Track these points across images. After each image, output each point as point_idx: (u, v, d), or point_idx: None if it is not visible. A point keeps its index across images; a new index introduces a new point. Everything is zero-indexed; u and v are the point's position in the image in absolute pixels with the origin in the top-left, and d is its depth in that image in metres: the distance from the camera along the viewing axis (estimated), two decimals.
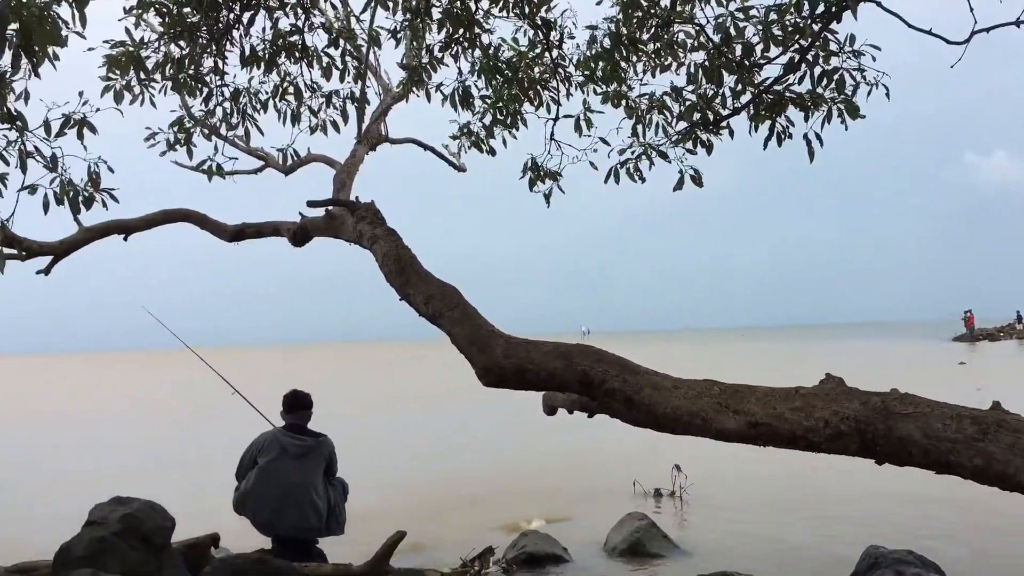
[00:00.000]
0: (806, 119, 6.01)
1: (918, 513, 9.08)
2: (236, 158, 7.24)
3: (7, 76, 3.66)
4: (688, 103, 6.22)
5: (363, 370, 50.58)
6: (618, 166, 6.27)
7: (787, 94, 5.99)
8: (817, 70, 5.82)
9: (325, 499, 6.27)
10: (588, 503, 10.31)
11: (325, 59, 6.35)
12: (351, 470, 6.78)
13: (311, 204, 5.82)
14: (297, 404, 6.46)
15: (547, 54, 6.66)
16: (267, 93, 6.66)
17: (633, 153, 6.30)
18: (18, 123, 4.45)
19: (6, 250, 5.56)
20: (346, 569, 5.98)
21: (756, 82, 6.08)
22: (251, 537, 6.38)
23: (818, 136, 5.97)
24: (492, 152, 7.21)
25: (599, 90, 6.68)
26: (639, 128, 6.40)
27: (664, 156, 6.27)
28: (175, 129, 6.58)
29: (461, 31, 6.39)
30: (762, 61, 5.92)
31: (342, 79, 6.55)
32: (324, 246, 7.12)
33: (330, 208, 6.08)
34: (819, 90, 5.93)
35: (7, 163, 4.75)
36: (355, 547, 6.74)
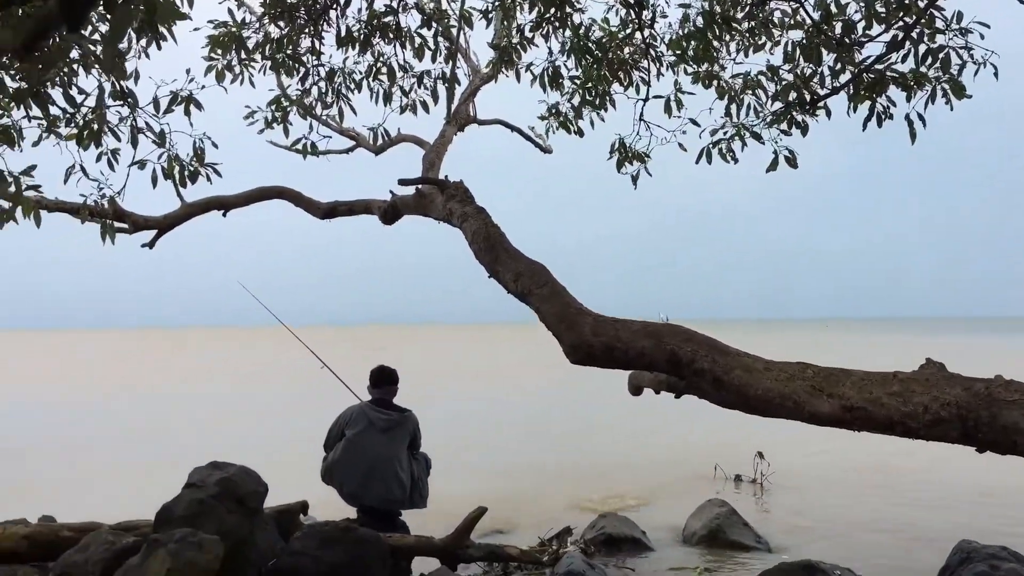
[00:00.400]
0: (908, 99, 5.80)
1: (1015, 506, 8.74)
2: (330, 137, 7.41)
3: (125, 54, 3.83)
4: (784, 83, 6.07)
5: (440, 350, 51.25)
6: (710, 146, 6.19)
7: (889, 73, 5.79)
8: (921, 48, 5.61)
9: (409, 472, 6.40)
10: (668, 487, 10.25)
11: (418, 39, 6.43)
12: (433, 447, 6.89)
13: (402, 182, 5.91)
14: (384, 379, 6.61)
15: (638, 34, 6.58)
16: (361, 73, 6.78)
17: (725, 134, 6.21)
18: (129, 100, 4.65)
19: (116, 224, 5.86)
20: (428, 541, 6.10)
21: (857, 61, 5.89)
22: (335, 506, 6.55)
23: (920, 117, 5.76)
24: (580, 133, 7.18)
25: (690, 70, 6.58)
26: (732, 108, 6.29)
27: (758, 137, 6.15)
28: (273, 108, 6.78)
29: (552, 11, 6.38)
30: (863, 39, 5.73)
31: (434, 59, 6.62)
32: (405, 229, 7.24)
33: (420, 187, 6.16)
34: (923, 69, 5.71)
35: (119, 139, 4.99)
36: (436, 520, 6.88)
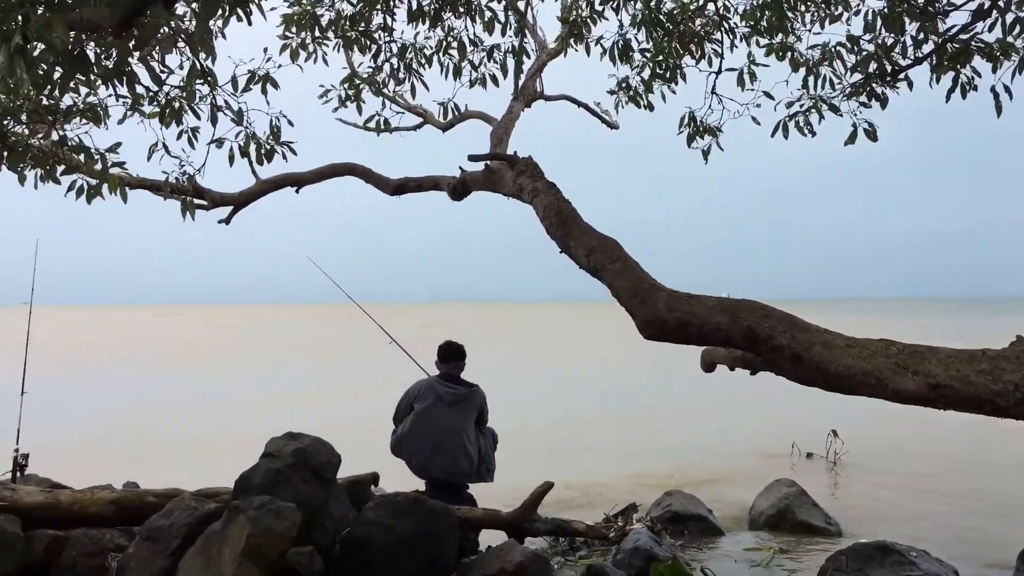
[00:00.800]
0: (994, 70, 5.57)
1: None
2: (403, 113, 7.47)
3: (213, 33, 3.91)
4: (864, 53, 5.89)
5: (507, 327, 51.47)
6: (787, 119, 6.06)
7: (974, 43, 5.56)
8: (1009, 17, 5.37)
9: (476, 446, 6.46)
10: (737, 465, 10.17)
11: (488, 13, 6.41)
12: (501, 422, 6.94)
13: (472, 158, 5.91)
14: (452, 354, 6.67)
15: (711, 5, 6.45)
16: (431, 48, 6.80)
17: (802, 106, 6.07)
18: (209, 79, 4.75)
19: (196, 200, 6.04)
20: (495, 515, 6.16)
21: (941, 30, 5.68)
22: (404, 478, 6.63)
23: (1007, 88, 5.53)
24: (650, 107, 7.08)
25: (764, 42, 6.43)
26: (809, 80, 6.13)
27: (835, 110, 5.99)
28: (346, 86, 6.86)
29: None
30: (948, 7, 5.52)
31: (503, 33, 6.60)
32: (474, 205, 7.24)
33: (489, 162, 6.16)
34: (1010, 38, 5.48)
35: (199, 117, 5.11)
36: (502, 495, 6.93)
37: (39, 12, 2.72)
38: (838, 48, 6.23)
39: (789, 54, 6.45)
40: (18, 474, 5.95)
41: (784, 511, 7.42)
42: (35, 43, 2.43)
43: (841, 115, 6.01)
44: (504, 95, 7.49)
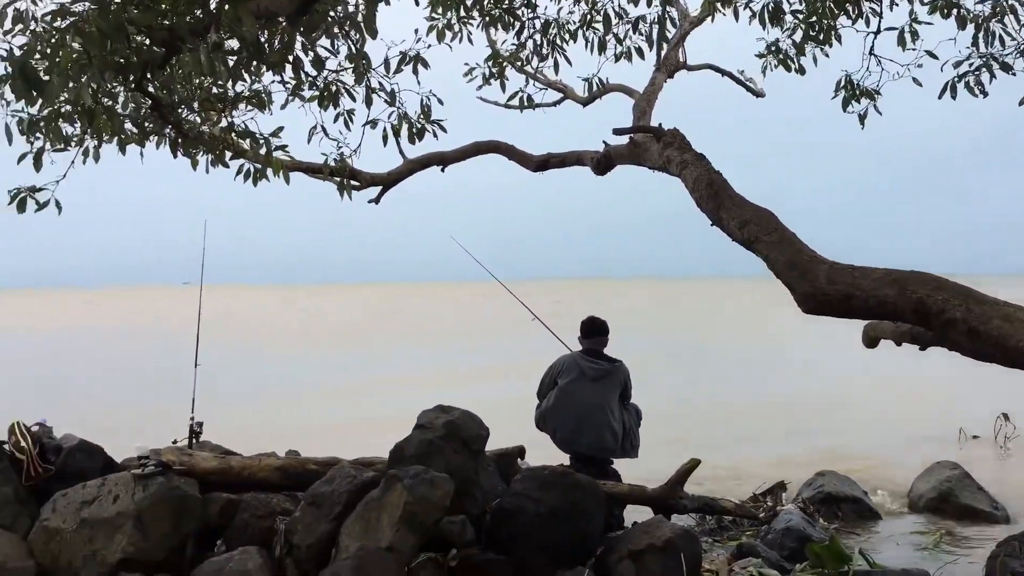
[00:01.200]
0: None
1: None
2: (544, 89, 7.49)
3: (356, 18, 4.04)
4: None
5: (654, 303, 50.93)
6: (955, 79, 5.68)
7: None
8: None
9: (620, 422, 6.46)
10: (895, 447, 9.73)
11: None
12: (645, 399, 6.88)
13: (617, 132, 5.86)
14: (595, 330, 6.67)
15: None
16: (575, 23, 6.78)
17: (971, 65, 5.67)
18: (364, 61, 4.92)
19: (352, 182, 6.29)
20: (641, 490, 6.15)
21: None
22: (546, 452, 6.68)
23: None
24: (801, 71, 6.78)
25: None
26: (979, 38, 5.72)
27: (1007, 68, 5.57)
28: (489, 64, 6.94)
29: None
30: None
31: (649, 3, 6.49)
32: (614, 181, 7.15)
33: (633, 135, 6.09)
34: None
35: (354, 99, 5.29)
36: (647, 470, 6.89)
37: (218, 5, 2.87)
38: (1011, 2, 5.77)
39: (955, 11, 6.03)
40: (194, 441, 6.37)
41: (946, 494, 7.07)
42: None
43: (1014, 74, 5.60)
44: (643, 68, 7.38)
